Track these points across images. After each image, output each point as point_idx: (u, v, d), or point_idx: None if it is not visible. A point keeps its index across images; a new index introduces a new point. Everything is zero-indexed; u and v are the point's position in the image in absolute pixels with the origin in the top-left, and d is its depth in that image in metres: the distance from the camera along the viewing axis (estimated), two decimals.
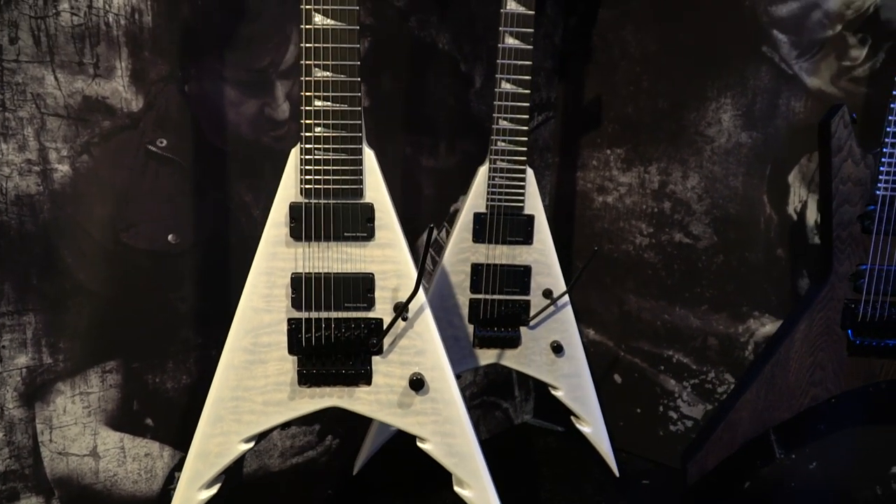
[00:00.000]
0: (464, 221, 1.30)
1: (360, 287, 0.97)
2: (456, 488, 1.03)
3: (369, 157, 0.96)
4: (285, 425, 1.35)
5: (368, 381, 1.00)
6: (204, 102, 1.16)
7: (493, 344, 1.33)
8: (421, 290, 0.97)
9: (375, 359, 1.00)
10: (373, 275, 0.98)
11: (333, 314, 0.98)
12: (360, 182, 0.95)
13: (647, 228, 1.70)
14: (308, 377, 0.98)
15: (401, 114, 1.46)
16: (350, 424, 1.45)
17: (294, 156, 0.95)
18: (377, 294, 0.98)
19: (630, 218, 1.73)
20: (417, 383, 0.98)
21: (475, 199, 1.29)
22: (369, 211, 0.96)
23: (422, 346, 0.99)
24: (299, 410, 1.00)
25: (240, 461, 1.31)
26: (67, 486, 1.09)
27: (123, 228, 1.10)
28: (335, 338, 0.98)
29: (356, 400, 1.01)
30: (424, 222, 1.51)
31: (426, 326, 0.99)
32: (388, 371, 1.00)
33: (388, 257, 0.98)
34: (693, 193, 1.62)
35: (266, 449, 1.35)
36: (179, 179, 1.15)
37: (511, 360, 1.34)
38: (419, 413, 1.00)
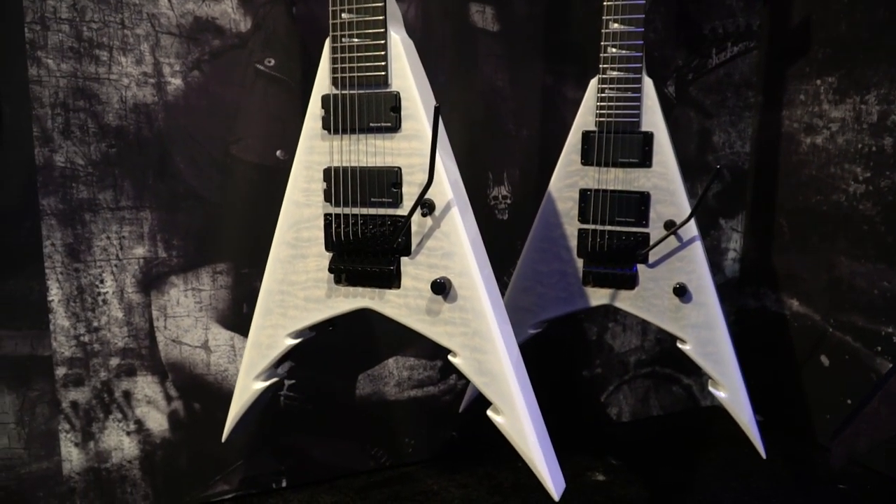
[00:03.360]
0: (571, 142, 1.16)
1: (386, 181, 0.93)
2: (489, 413, 0.93)
3: (395, 42, 0.91)
4: (397, 354, 1.34)
5: (398, 284, 0.95)
6: (311, 24, 1.21)
7: (604, 282, 1.17)
8: (447, 185, 0.89)
9: (404, 260, 0.94)
10: (399, 168, 0.92)
11: (361, 210, 0.95)
12: (385, 69, 0.91)
13: (862, 173, 1.35)
14: (340, 274, 0.97)
15: (538, 40, 1.36)
16: None
17: (328, 45, 0.94)
18: (404, 189, 0.93)
19: (843, 161, 1.39)
20: (439, 287, 0.90)
21: (584, 115, 1.15)
22: (393, 100, 0.91)
23: (449, 248, 0.91)
24: (335, 309, 0.99)
25: (352, 383, 1.34)
26: (181, 371, 1.22)
27: (233, 141, 1.20)
28: (362, 234, 0.95)
29: (386, 303, 0.96)
30: None
31: (453, 226, 0.90)
32: (416, 274, 0.93)
33: (415, 150, 0.91)
34: None
35: (381, 376, 1.36)
36: (287, 98, 1.22)
37: (626, 302, 1.16)
38: (447, 322, 0.92)
